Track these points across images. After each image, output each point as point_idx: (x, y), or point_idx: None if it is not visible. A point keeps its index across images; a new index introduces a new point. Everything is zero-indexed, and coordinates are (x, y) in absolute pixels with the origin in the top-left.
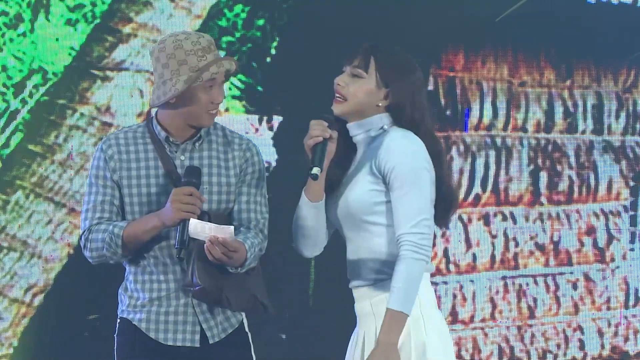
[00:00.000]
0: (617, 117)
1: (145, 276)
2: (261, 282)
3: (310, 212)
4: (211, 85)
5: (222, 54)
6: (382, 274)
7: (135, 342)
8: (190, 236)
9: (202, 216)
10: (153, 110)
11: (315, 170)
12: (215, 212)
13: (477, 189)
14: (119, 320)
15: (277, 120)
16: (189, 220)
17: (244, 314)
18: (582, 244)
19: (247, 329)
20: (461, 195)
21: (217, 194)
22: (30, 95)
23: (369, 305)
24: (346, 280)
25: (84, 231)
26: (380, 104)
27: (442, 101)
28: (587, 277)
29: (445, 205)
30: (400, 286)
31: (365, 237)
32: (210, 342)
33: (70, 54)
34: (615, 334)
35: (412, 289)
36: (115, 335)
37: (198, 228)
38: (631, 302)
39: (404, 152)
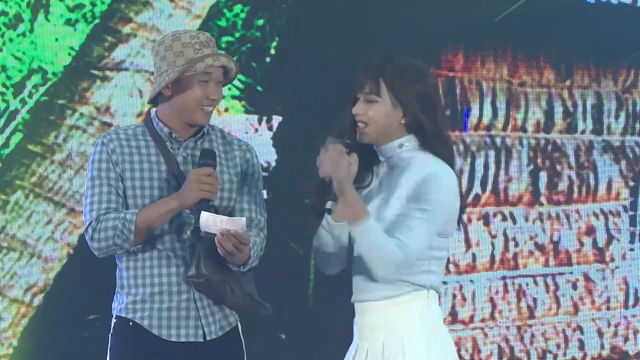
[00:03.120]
0: (617, 117)
1: (146, 270)
2: (253, 284)
3: (342, 232)
4: (207, 81)
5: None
6: (398, 290)
7: (135, 340)
8: (201, 229)
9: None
10: (153, 111)
11: (331, 204)
12: (221, 209)
13: (476, 189)
14: (115, 320)
15: (276, 120)
16: (203, 209)
17: (238, 319)
18: (581, 244)
19: (241, 335)
20: None
21: (220, 190)
22: (30, 95)
23: (382, 318)
24: (346, 279)
25: (91, 222)
26: (402, 122)
27: (442, 101)
28: (587, 277)
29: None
30: (378, 237)
31: None
32: (208, 338)
33: (69, 54)
34: (615, 334)
35: (373, 247)
36: (110, 335)
37: (209, 221)
38: (631, 302)
39: (440, 181)
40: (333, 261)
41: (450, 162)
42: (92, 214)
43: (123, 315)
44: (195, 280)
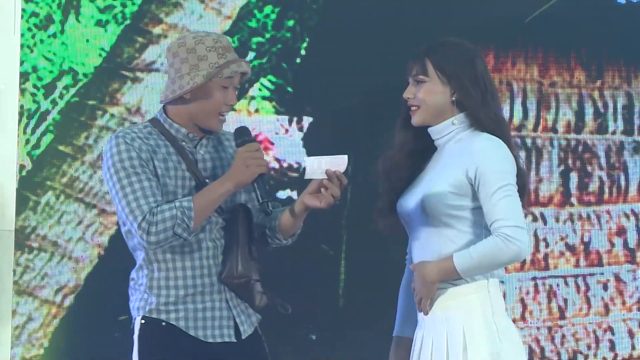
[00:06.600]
0: None
1: (178, 272)
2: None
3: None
4: (226, 86)
5: (251, 54)
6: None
7: (169, 341)
8: (306, 176)
9: (237, 211)
10: (159, 111)
11: None
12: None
13: None
14: (143, 321)
15: (307, 121)
16: (259, 184)
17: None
18: (612, 244)
19: (260, 332)
20: None
21: None
22: (61, 96)
23: (440, 311)
24: (376, 280)
25: (144, 216)
26: (453, 99)
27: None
28: (618, 278)
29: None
30: (476, 253)
31: (434, 240)
32: (243, 337)
33: (100, 55)
34: None
35: (482, 262)
36: (137, 337)
37: (314, 165)
38: None
39: (493, 155)
40: None
41: (507, 140)
42: (142, 208)
43: (154, 316)
44: (236, 281)
